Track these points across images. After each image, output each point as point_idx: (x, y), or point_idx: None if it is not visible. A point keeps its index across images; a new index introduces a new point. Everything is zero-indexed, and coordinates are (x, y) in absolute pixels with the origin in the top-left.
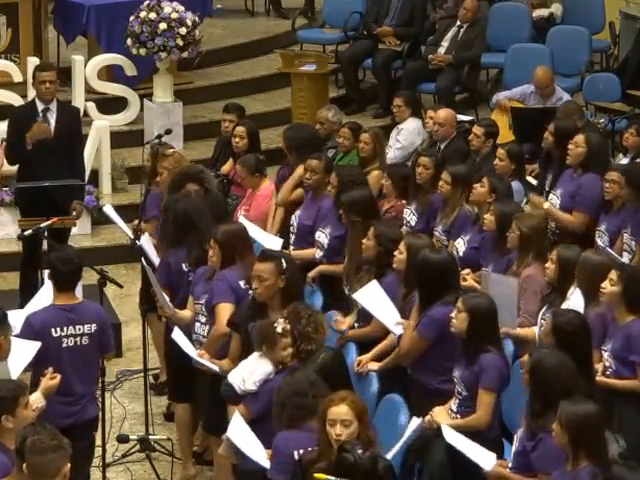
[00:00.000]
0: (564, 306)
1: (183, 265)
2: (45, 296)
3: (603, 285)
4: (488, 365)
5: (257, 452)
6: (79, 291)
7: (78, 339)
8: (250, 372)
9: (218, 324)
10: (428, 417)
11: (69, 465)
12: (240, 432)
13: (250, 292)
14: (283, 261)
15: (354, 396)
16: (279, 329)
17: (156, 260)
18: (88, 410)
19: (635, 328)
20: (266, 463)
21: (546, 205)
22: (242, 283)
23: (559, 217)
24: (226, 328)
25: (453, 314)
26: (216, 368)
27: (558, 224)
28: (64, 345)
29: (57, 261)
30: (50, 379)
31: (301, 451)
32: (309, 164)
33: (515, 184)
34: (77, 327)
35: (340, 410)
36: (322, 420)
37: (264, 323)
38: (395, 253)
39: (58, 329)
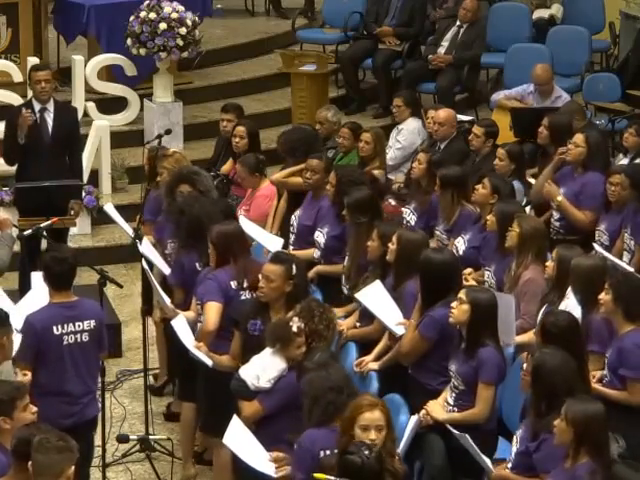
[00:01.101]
0: (563, 305)
1: (197, 264)
2: (38, 295)
3: (600, 296)
4: (487, 359)
5: (256, 458)
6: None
7: (78, 336)
8: (263, 369)
9: (205, 322)
10: (423, 412)
11: (73, 468)
12: (238, 438)
13: (241, 293)
14: (294, 267)
15: (382, 400)
16: (294, 328)
17: (159, 263)
18: (89, 410)
19: (628, 341)
20: (264, 468)
21: (560, 197)
22: (233, 284)
23: (571, 213)
24: (213, 327)
25: (454, 304)
26: (210, 362)
27: (568, 220)
28: (65, 343)
29: (51, 261)
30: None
31: (327, 452)
32: (309, 163)
33: (515, 184)
34: (77, 324)
35: (374, 416)
36: (350, 425)
37: (279, 322)
38: (389, 245)
39: (59, 327)
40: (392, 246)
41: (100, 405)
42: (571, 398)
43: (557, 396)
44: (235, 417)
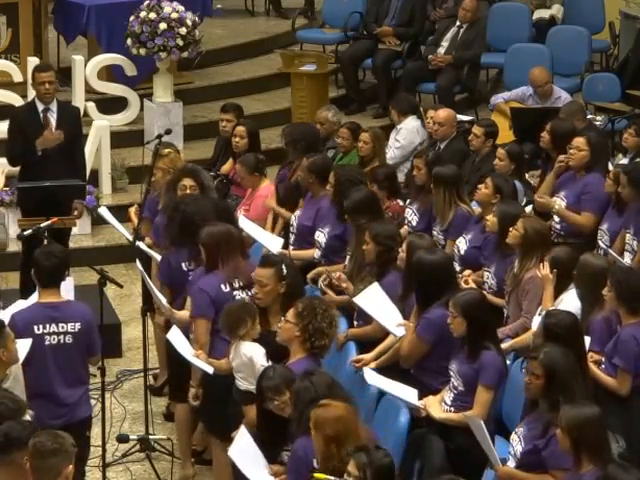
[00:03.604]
0: (557, 302)
1: (183, 264)
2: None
3: (604, 292)
4: (489, 363)
5: (258, 472)
6: (70, 292)
7: (61, 337)
8: (248, 366)
9: (196, 338)
10: (422, 403)
11: (71, 467)
12: (242, 449)
13: (235, 293)
14: (284, 267)
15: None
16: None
17: (159, 258)
18: (79, 410)
19: (625, 332)
20: None
21: (556, 207)
22: (224, 287)
23: (570, 218)
24: (203, 342)
25: (449, 320)
26: (210, 369)
27: (568, 225)
28: (47, 343)
29: (39, 256)
30: None
31: None
32: (303, 162)
33: (515, 184)
34: (60, 325)
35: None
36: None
37: (238, 304)
38: (399, 250)
39: (40, 326)
40: (402, 254)
41: (100, 405)
42: (566, 404)
43: (572, 390)
44: (242, 427)
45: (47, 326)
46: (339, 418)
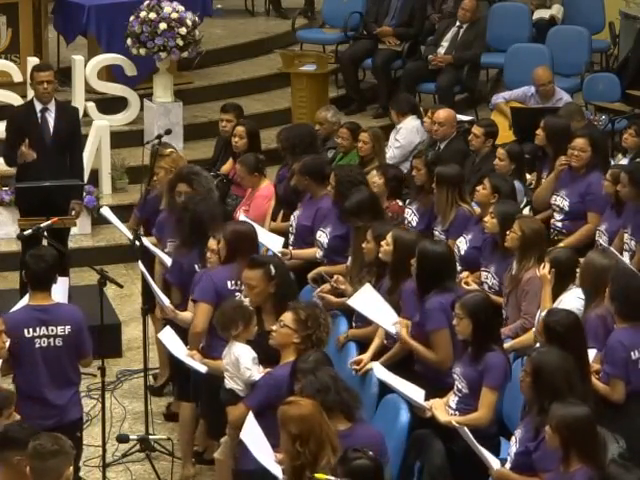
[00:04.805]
0: (557, 302)
1: (196, 266)
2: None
3: (607, 289)
4: (494, 364)
5: (267, 456)
6: (64, 293)
7: (51, 340)
8: (234, 365)
9: (193, 324)
10: (428, 404)
11: (71, 469)
12: (253, 435)
13: (237, 293)
14: (272, 267)
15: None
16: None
17: (162, 256)
18: (70, 412)
19: (613, 338)
20: (273, 468)
21: (562, 244)
22: (230, 283)
23: (579, 238)
24: (200, 329)
25: (455, 322)
26: (204, 368)
27: (570, 222)
28: (37, 346)
29: (30, 259)
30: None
31: None
32: (294, 166)
33: (515, 184)
34: (50, 328)
35: None
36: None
37: (232, 305)
38: (382, 244)
39: (30, 329)
40: (387, 247)
41: (100, 405)
42: (557, 403)
43: (560, 394)
44: (250, 415)
45: (37, 329)
46: (303, 417)
